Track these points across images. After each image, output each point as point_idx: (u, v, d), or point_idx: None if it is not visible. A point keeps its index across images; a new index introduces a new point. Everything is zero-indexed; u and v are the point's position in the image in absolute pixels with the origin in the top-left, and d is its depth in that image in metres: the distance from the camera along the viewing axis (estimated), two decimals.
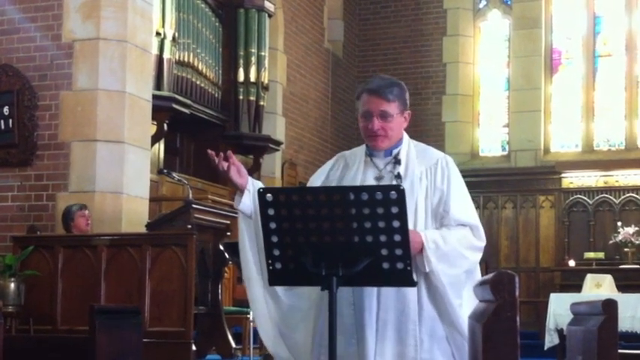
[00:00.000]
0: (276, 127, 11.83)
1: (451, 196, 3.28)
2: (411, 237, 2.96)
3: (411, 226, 3.05)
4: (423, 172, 3.31)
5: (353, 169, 3.37)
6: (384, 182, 3.28)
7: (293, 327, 3.37)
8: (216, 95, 10.62)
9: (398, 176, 3.27)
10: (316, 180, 3.47)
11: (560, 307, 9.44)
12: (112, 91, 7.54)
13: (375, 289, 3.19)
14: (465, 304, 3.23)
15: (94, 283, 6.58)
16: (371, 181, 3.32)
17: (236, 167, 3.29)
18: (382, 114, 3.27)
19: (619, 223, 12.90)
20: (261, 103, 10.88)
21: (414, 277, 3.04)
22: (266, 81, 10.93)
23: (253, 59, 10.74)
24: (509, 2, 14.35)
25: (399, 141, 3.35)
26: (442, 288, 3.20)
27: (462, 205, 3.31)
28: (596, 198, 13.40)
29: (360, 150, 3.41)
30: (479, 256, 3.31)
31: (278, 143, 11.40)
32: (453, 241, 3.20)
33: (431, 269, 3.16)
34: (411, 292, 3.19)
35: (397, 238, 2.86)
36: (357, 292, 3.21)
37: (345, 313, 3.20)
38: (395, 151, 3.33)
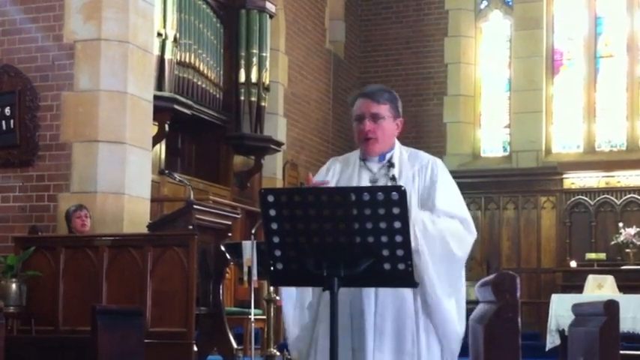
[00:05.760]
0: (277, 127, 11.83)
1: (437, 189, 3.38)
2: None
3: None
4: (415, 173, 3.43)
5: (348, 172, 3.49)
6: (380, 184, 3.37)
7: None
8: (218, 96, 10.62)
9: (392, 178, 3.38)
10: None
11: (561, 308, 9.43)
12: (114, 91, 7.55)
13: (372, 288, 3.26)
14: (458, 299, 3.28)
15: (96, 283, 6.58)
16: (366, 184, 3.41)
17: None
18: (373, 116, 3.40)
19: (620, 224, 12.89)
20: (263, 103, 10.88)
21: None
22: (267, 82, 10.93)
23: (254, 60, 10.75)
24: (510, 3, 14.35)
25: (391, 147, 3.47)
26: (429, 277, 3.24)
27: (449, 198, 3.39)
28: (598, 199, 13.38)
29: (354, 155, 3.53)
30: (467, 247, 3.35)
31: (279, 144, 11.40)
32: (441, 227, 3.27)
33: (415, 248, 3.18)
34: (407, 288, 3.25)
35: (398, 238, 2.86)
36: (355, 290, 3.27)
37: (341, 312, 3.22)
38: (388, 156, 3.46)
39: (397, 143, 3.50)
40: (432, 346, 3.30)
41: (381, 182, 3.39)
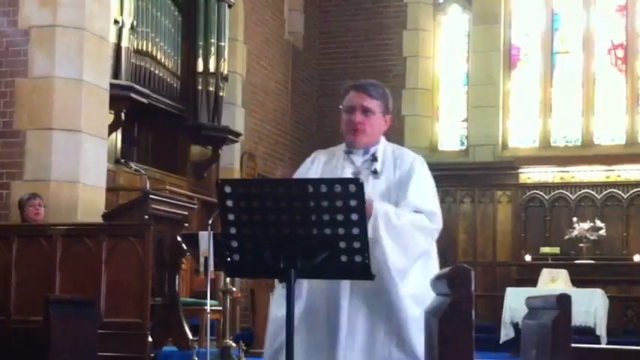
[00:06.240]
0: (235, 118, 11.77)
1: (411, 182, 3.43)
2: (366, 197, 2.94)
3: None
4: (397, 167, 3.48)
5: (332, 164, 3.54)
6: (362, 178, 3.35)
7: None
8: (175, 85, 10.54)
9: (375, 172, 3.45)
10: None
11: (515, 302, 9.54)
12: (69, 79, 7.46)
13: (347, 285, 3.31)
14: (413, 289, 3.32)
15: (49, 273, 6.51)
16: (349, 176, 3.44)
17: None
18: (364, 109, 3.46)
19: (574, 219, 13.05)
20: (221, 93, 10.82)
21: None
22: (225, 71, 10.87)
23: (213, 49, 10.68)
24: None
25: (377, 141, 3.53)
26: (387, 267, 3.27)
27: (421, 192, 3.44)
28: (553, 194, 13.53)
29: (339, 148, 3.58)
30: (431, 240, 3.42)
31: (237, 134, 11.35)
32: (405, 221, 3.32)
33: (376, 237, 3.24)
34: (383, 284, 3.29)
35: (355, 231, 2.86)
36: (332, 285, 3.31)
37: (317, 303, 3.34)
38: (372, 150, 3.51)
39: (383, 139, 3.56)
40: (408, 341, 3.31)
41: (363, 175, 3.44)
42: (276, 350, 3.39)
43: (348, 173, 3.46)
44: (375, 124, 3.49)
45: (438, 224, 3.42)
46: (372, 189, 3.39)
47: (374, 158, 3.49)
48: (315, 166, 3.56)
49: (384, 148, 3.54)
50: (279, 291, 3.41)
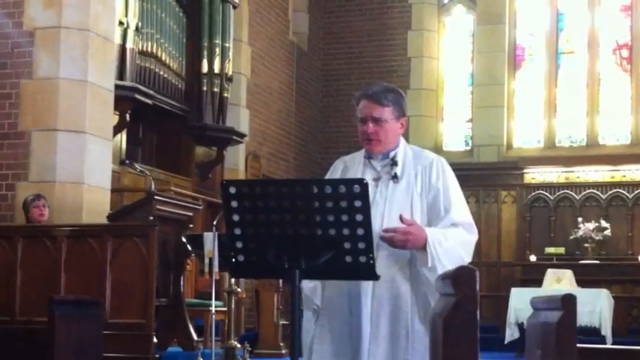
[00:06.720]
0: (239, 118, 11.78)
1: (450, 195, 3.44)
2: (416, 231, 3.22)
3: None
4: (419, 171, 3.46)
5: (352, 170, 3.51)
6: (382, 182, 3.42)
7: None
8: (180, 86, 10.54)
9: (395, 176, 3.42)
10: None
11: (520, 302, 9.53)
12: (74, 80, 7.46)
13: (369, 287, 3.29)
14: None
15: (54, 273, 6.52)
16: (369, 182, 3.38)
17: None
18: (376, 119, 3.41)
19: (579, 219, 13.04)
20: (225, 94, 10.82)
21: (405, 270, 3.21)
22: (230, 72, 10.88)
23: (217, 50, 10.68)
24: None
25: (395, 145, 3.49)
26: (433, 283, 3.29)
27: (460, 204, 3.47)
28: (558, 194, 13.52)
29: (359, 153, 3.56)
30: (472, 251, 3.45)
31: (242, 135, 11.35)
32: (452, 240, 3.33)
33: (433, 265, 3.26)
34: (402, 282, 3.31)
35: (360, 231, 2.87)
36: (353, 287, 3.30)
37: (337, 302, 3.32)
38: (392, 154, 3.47)
39: (402, 141, 3.52)
40: (426, 341, 3.29)
41: (384, 180, 3.42)
42: None
43: (368, 178, 3.37)
44: (389, 131, 3.43)
45: (476, 235, 3.45)
46: (393, 193, 3.39)
47: (394, 162, 3.45)
48: (335, 175, 3.54)
49: (404, 151, 3.50)
50: (307, 317, 3.41)
